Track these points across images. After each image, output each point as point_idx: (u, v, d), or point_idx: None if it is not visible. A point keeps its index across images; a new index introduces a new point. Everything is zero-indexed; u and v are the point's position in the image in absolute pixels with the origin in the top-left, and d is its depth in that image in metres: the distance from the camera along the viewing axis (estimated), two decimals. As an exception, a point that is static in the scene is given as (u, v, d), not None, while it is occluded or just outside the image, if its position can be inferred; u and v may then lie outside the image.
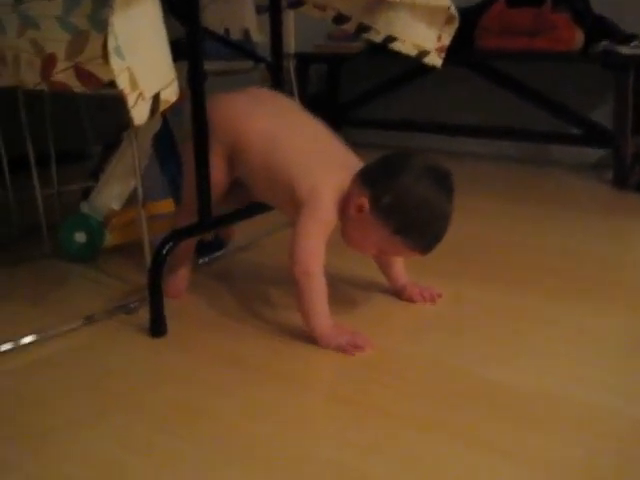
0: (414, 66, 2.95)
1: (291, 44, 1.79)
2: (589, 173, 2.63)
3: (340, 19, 1.58)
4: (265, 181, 1.32)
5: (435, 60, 1.58)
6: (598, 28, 2.52)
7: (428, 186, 1.19)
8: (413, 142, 3.06)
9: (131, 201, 1.67)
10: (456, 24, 1.55)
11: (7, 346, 1.23)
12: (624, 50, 2.38)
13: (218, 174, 1.34)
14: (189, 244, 1.44)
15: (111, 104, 2.11)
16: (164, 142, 1.71)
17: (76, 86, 1.02)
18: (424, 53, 1.55)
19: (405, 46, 1.53)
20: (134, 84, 0.93)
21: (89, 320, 1.34)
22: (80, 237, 1.65)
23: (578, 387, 1.08)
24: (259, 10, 1.87)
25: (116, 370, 1.17)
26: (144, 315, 1.32)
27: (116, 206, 1.65)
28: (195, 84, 1.26)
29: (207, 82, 1.28)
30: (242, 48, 1.61)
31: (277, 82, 1.58)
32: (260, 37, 1.87)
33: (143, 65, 0.95)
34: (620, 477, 0.87)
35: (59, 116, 1.86)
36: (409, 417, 1.01)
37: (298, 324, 1.26)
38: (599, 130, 2.59)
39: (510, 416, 1.01)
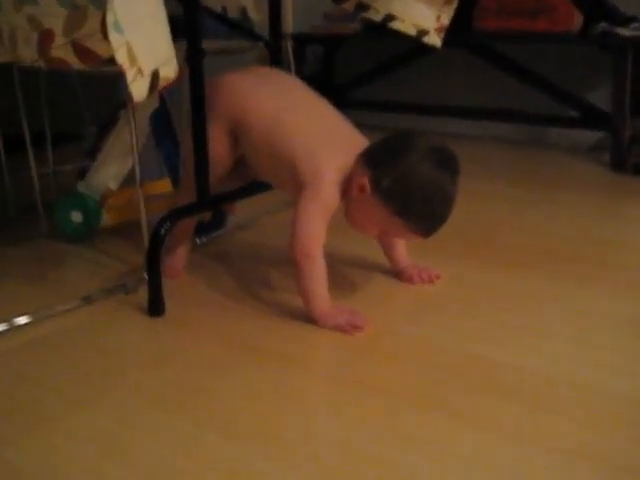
0: (411, 47, 2.95)
1: (289, 24, 1.78)
2: (587, 156, 2.63)
3: (339, -2, 1.57)
4: (268, 159, 1.30)
5: (434, 40, 1.56)
6: (597, 10, 2.50)
7: (431, 168, 1.16)
8: (410, 124, 3.05)
9: (128, 181, 1.67)
10: (455, 4, 1.54)
11: (4, 326, 1.22)
12: (623, 32, 2.37)
13: (222, 151, 1.34)
14: (188, 224, 1.44)
15: (107, 84, 2.10)
16: (161, 122, 1.70)
17: (74, 62, 1.01)
18: (423, 33, 1.54)
19: (404, 25, 1.52)
20: (133, 59, 0.92)
21: (87, 300, 1.34)
22: (77, 217, 1.64)
23: (580, 368, 1.08)
24: (256, -12, 1.85)
25: (114, 349, 1.17)
26: (142, 295, 1.32)
27: (113, 186, 1.64)
28: (193, 62, 1.25)
29: (205, 62, 1.27)
30: (241, 26, 1.60)
31: (276, 62, 1.57)
32: (257, 16, 1.85)
33: (142, 41, 0.94)
34: (622, 457, 0.87)
35: (54, 96, 1.84)
36: (409, 396, 1.01)
37: (297, 304, 1.26)
38: (597, 113, 2.58)
39: (511, 396, 1.01)
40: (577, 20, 2.50)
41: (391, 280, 1.43)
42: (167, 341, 1.20)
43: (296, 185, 1.24)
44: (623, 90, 2.40)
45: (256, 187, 1.44)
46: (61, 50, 1.01)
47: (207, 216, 1.65)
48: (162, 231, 1.26)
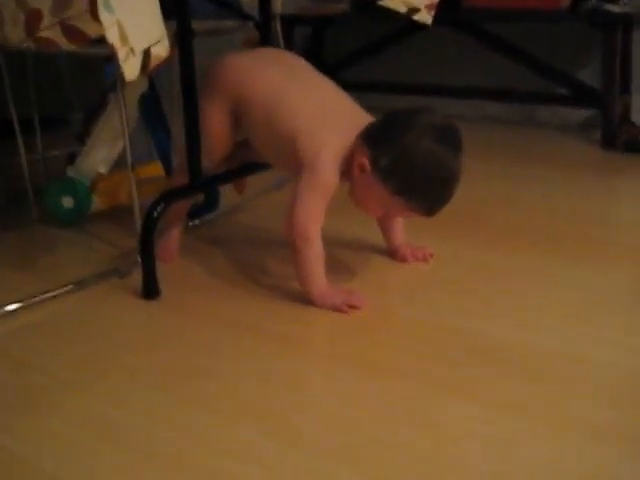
0: (400, 27, 2.93)
1: (278, 4, 1.75)
2: (577, 134, 2.63)
3: (328, -24, 1.55)
4: (268, 137, 1.29)
5: (425, 17, 1.55)
6: (586, -14, 2.49)
7: (431, 144, 1.13)
8: (399, 104, 3.02)
9: (118, 165, 1.65)
10: (446, -20, 1.53)
11: (-1, 312, 1.22)
12: (613, 8, 2.36)
13: (222, 133, 1.33)
14: (181, 206, 1.42)
15: (94, 68, 2.08)
16: (151, 108, 1.69)
17: (63, 43, 1.00)
18: (414, 10, 1.53)
19: (394, 3, 1.51)
20: (124, 39, 0.90)
21: (80, 285, 1.33)
22: (67, 202, 1.62)
23: (581, 342, 1.09)
24: (244, -32, 1.83)
25: (109, 333, 1.16)
26: (136, 279, 1.31)
27: (103, 170, 1.63)
28: (183, 42, 1.23)
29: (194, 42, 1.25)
30: (231, 5, 1.58)
31: (266, 42, 1.55)
32: (246, -4, 1.83)
33: (132, 20, 0.92)
34: (621, 431, 0.88)
35: (41, 81, 1.82)
36: (407, 373, 1.01)
37: (293, 286, 1.26)
38: (586, 90, 2.58)
39: (511, 371, 1.01)
40: (566, -3, 2.49)
41: (386, 260, 1.42)
42: (163, 324, 1.19)
43: (296, 163, 1.22)
44: (613, 67, 2.40)
45: (250, 168, 1.43)
46: (49, 31, 1.00)
47: (200, 198, 1.64)
48: (155, 214, 1.25)
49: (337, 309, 1.19)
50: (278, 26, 1.85)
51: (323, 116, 1.24)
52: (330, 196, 1.21)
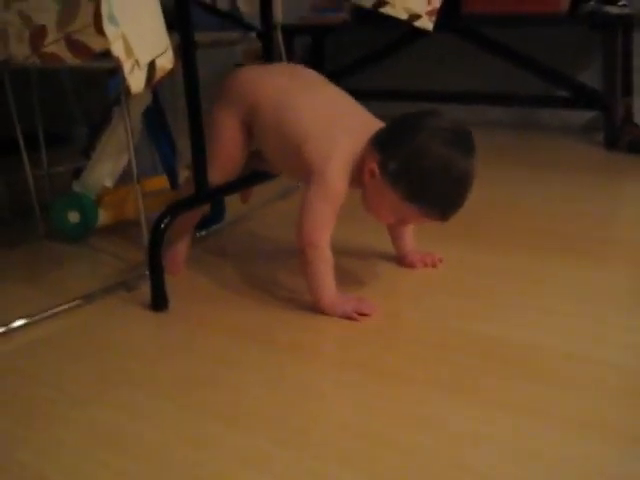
0: (400, 35, 2.94)
1: (278, 13, 1.76)
2: (579, 136, 2.63)
3: (329, -15, 1.56)
4: (277, 142, 1.28)
5: (426, 24, 1.56)
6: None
7: (439, 147, 1.11)
8: (402, 111, 3.04)
9: (123, 179, 1.66)
10: (446, -14, 1.53)
11: (3, 329, 1.21)
12: (612, 10, 2.37)
13: (234, 141, 1.33)
14: (190, 218, 1.42)
15: (97, 83, 2.08)
16: (155, 119, 1.69)
17: (68, 58, 1.00)
18: (415, 17, 1.53)
19: (395, 10, 1.51)
20: (129, 51, 0.91)
21: (88, 299, 1.33)
22: (74, 216, 1.62)
23: (586, 343, 1.09)
24: (244, -20, 1.84)
25: (119, 345, 1.16)
26: (144, 291, 1.31)
27: (109, 183, 1.63)
28: (187, 54, 1.23)
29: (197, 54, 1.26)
30: (233, 16, 1.59)
31: (268, 51, 1.56)
32: (246, 8, 1.84)
33: (137, 32, 0.92)
34: (627, 428, 0.87)
35: (44, 97, 1.83)
36: (418, 379, 1.01)
37: (301, 294, 1.26)
38: (588, 92, 2.58)
39: (521, 373, 1.01)
40: (565, 0, 2.50)
41: (395, 266, 1.42)
42: (172, 335, 1.19)
43: (306, 170, 1.21)
44: (614, 68, 2.40)
45: (255, 178, 1.43)
46: (54, 46, 1.00)
47: (206, 209, 1.64)
48: (162, 226, 1.25)
49: (347, 317, 1.19)
50: (279, 36, 1.86)
51: (332, 121, 1.23)
52: (339, 204, 1.20)
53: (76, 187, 1.63)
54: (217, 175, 1.34)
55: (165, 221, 1.26)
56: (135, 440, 0.89)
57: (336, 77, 3.14)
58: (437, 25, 1.56)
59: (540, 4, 2.50)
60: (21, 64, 1.06)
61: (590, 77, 2.69)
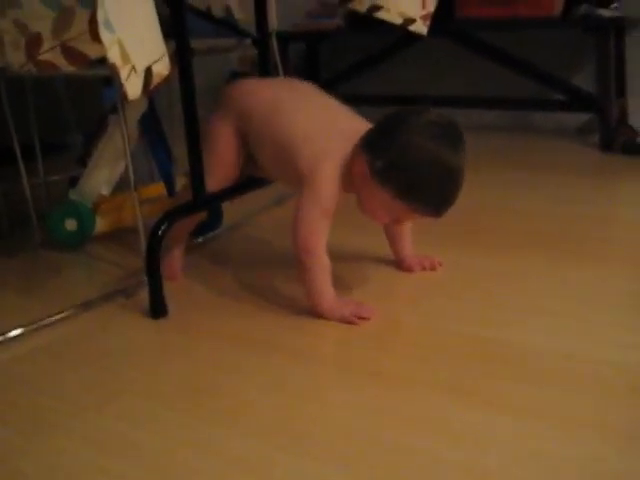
0: (394, 40, 2.95)
1: (273, 20, 1.77)
2: (574, 138, 2.64)
3: (323, -10, 1.57)
4: (269, 147, 1.29)
5: (420, 28, 1.56)
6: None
7: (425, 142, 1.10)
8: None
9: (120, 186, 1.66)
10: (440, -10, 1.54)
11: (0, 338, 1.20)
12: (604, 13, 2.38)
13: (229, 148, 1.34)
14: (186, 225, 1.42)
15: (92, 92, 2.08)
16: (151, 126, 1.69)
17: (63, 65, 1.00)
18: (409, 21, 1.54)
19: (390, 14, 1.52)
20: (125, 58, 0.91)
21: (86, 306, 1.32)
22: (71, 225, 1.62)
23: (583, 343, 1.09)
24: (239, -13, 1.84)
25: (118, 353, 1.15)
26: (143, 298, 1.30)
27: (105, 191, 1.63)
28: (183, 61, 1.23)
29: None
30: (228, 23, 1.59)
31: (263, 58, 1.56)
32: (241, 15, 1.85)
33: (133, 38, 0.93)
34: (628, 428, 0.87)
35: (39, 106, 1.83)
36: (419, 381, 1.00)
37: (300, 299, 1.26)
38: (582, 95, 2.59)
39: (520, 375, 1.01)
40: (558, 4, 2.51)
41: (393, 270, 1.42)
42: (171, 342, 1.19)
43: (297, 176, 1.21)
44: (607, 71, 2.42)
45: (252, 184, 1.43)
46: (50, 53, 1.00)
47: (203, 216, 1.64)
48: (159, 232, 1.25)
49: (346, 321, 1.19)
50: (274, 43, 1.87)
51: (324, 127, 1.24)
52: (333, 208, 1.20)
53: (73, 195, 1.63)
54: (214, 182, 1.34)
55: (162, 228, 1.26)
56: (136, 447, 0.89)
57: (331, 83, 3.17)
58: (431, 30, 1.57)
59: (533, 8, 2.51)
60: (17, 72, 1.05)
61: (584, 79, 2.70)
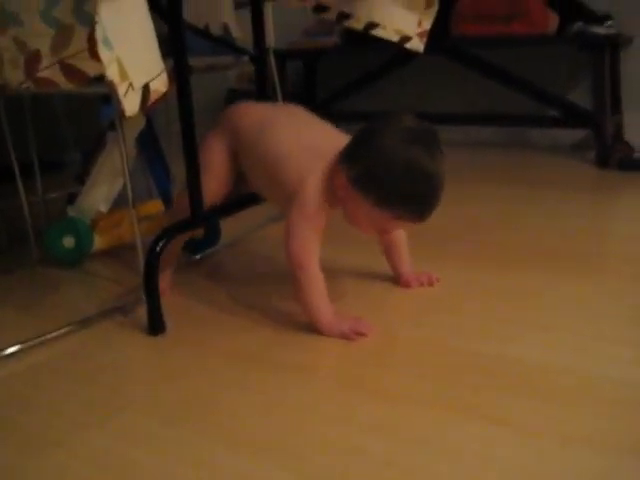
0: (391, 57, 2.97)
1: (271, 38, 1.78)
2: (570, 154, 2.65)
3: (320, 8, 1.58)
4: (258, 166, 1.31)
5: (417, 45, 1.57)
6: (571, 10, 2.54)
7: (397, 147, 1.10)
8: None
9: (118, 203, 1.66)
10: (436, 7, 1.54)
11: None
12: (599, 30, 2.40)
13: (220, 165, 1.35)
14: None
15: (90, 108, 2.09)
16: (149, 144, 1.70)
17: (62, 82, 1.01)
18: (406, 39, 1.55)
19: (387, 32, 1.53)
20: (123, 74, 0.91)
21: (84, 323, 1.32)
22: (69, 242, 1.62)
23: (582, 358, 1.08)
24: (236, 6, 1.86)
25: (117, 369, 1.15)
26: (141, 315, 1.30)
27: (103, 208, 1.63)
28: (181, 79, 1.24)
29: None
30: (226, 41, 1.60)
31: (261, 76, 1.57)
32: (239, 33, 1.86)
33: (131, 56, 0.93)
34: (629, 443, 0.87)
35: (37, 124, 1.83)
36: (418, 398, 1.00)
37: (298, 315, 1.25)
38: (578, 111, 2.61)
39: (520, 391, 1.00)
40: (552, 22, 2.53)
41: (390, 285, 1.42)
42: (170, 358, 1.18)
43: (284, 194, 1.23)
44: (603, 87, 2.43)
45: (250, 200, 1.43)
46: (49, 71, 1.01)
47: (200, 233, 1.64)
48: (157, 249, 1.25)
49: (345, 337, 1.18)
50: (272, 60, 1.88)
51: (310, 145, 1.26)
52: (322, 223, 1.21)
53: (71, 212, 1.64)
54: (206, 198, 1.34)
55: (160, 244, 1.26)
56: (136, 466, 0.88)
57: (329, 100, 3.19)
58: (428, 47, 1.58)
59: (528, 26, 2.53)
60: (15, 90, 1.06)
61: (580, 96, 2.72)
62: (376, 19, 1.51)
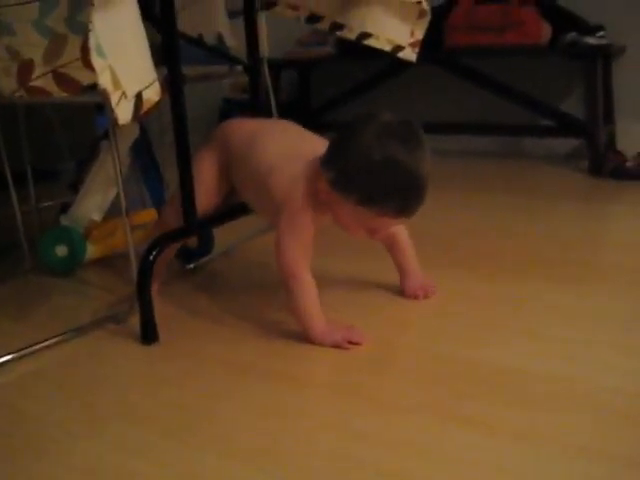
0: (385, 67, 2.97)
1: (265, 47, 1.79)
2: (564, 164, 2.66)
3: (313, 18, 1.58)
4: (248, 178, 1.32)
5: (410, 55, 1.58)
6: (564, 20, 2.55)
7: (373, 142, 1.09)
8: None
9: (111, 212, 1.66)
10: (428, 18, 1.55)
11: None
12: (591, 41, 2.42)
13: (210, 177, 1.36)
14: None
15: (83, 117, 2.09)
16: (143, 153, 1.70)
17: (55, 91, 1.01)
18: (398, 48, 1.55)
19: (379, 42, 1.53)
20: (116, 83, 0.91)
21: (77, 332, 1.32)
22: (61, 251, 1.62)
23: (582, 367, 1.08)
24: (230, 15, 1.86)
25: (110, 379, 1.15)
26: (133, 324, 1.30)
27: (97, 217, 1.63)
28: (174, 88, 1.24)
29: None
30: (220, 50, 1.60)
31: (254, 85, 1.57)
32: (233, 43, 1.86)
33: (125, 64, 0.93)
34: (626, 451, 0.87)
35: (31, 133, 1.83)
36: (410, 406, 1.00)
37: (291, 324, 1.25)
38: (571, 121, 2.62)
39: (515, 399, 1.00)
40: (546, 32, 2.55)
41: (383, 293, 1.42)
42: (163, 368, 1.18)
43: (273, 206, 1.23)
44: (595, 97, 2.44)
45: (243, 209, 1.43)
46: (41, 80, 1.01)
47: (193, 242, 1.64)
48: (151, 257, 1.25)
49: (338, 346, 1.18)
50: (266, 70, 1.88)
51: (291, 152, 1.27)
52: (311, 231, 1.21)
53: (64, 221, 1.63)
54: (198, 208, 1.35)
55: (154, 253, 1.26)
56: (130, 475, 0.88)
57: (323, 110, 3.19)
58: (421, 57, 1.58)
59: (521, 36, 2.54)
60: (8, 98, 1.06)
61: (573, 106, 2.73)
62: (369, 29, 1.52)
